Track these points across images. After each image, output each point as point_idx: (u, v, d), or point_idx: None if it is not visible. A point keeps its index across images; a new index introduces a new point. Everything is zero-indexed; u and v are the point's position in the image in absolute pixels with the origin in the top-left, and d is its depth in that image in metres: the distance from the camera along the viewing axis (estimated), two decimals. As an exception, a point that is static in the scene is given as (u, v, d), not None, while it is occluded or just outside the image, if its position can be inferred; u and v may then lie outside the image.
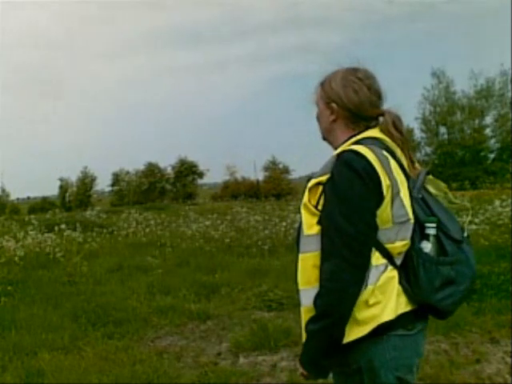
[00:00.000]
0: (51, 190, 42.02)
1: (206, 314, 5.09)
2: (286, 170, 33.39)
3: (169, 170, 39.17)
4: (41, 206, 34.66)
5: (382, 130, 1.56)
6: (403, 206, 1.46)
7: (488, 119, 32.52)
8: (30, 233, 10.14)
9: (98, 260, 8.55)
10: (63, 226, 11.03)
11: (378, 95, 1.60)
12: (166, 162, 39.79)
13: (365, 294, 1.42)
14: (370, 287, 1.43)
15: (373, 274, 1.44)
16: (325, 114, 1.64)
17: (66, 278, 6.99)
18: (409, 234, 1.47)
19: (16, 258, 7.98)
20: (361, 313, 1.43)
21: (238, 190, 32.66)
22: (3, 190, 36.59)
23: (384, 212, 1.44)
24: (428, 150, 34.56)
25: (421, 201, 1.51)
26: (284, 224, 9.94)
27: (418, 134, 34.69)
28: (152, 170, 38.97)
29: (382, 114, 1.59)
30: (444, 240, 1.48)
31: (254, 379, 3.55)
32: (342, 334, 1.43)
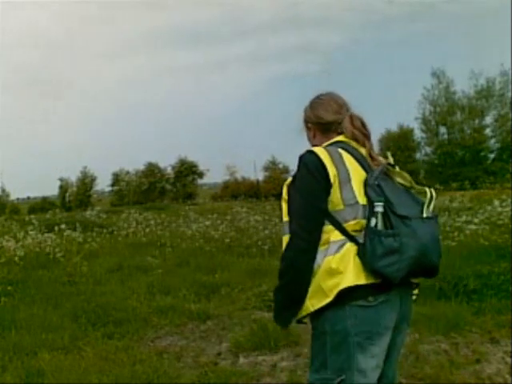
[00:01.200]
0: (51, 190, 42.01)
1: (205, 314, 5.09)
2: (286, 170, 33.40)
3: (169, 170, 39.18)
4: (41, 206, 34.66)
5: (345, 135, 1.93)
6: (352, 190, 1.78)
7: (488, 119, 32.54)
8: (30, 233, 10.14)
9: (98, 260, 8.55)
10: (63, 226, 11.03)
11: (340, 105, 1.98)
12: (166, 162, 39.78)
13: (325, 264, 1.75)
14: (329, 257, 1.75)
15: (331, 248, 1.76)
16: (307, 133, 2.08)
17: (66, 278, 6.99)
18: (359, 214, 1.76)
19: (16, 258, 7.98)
20: (325, 282, 1.74)
21: (238, 190, 32.67)
22: (3, 190, 36.59)
23: (334, 196, 1.78)
24: (428, 149, 34.59)
25: (376, 187, 1.77)
26: (284, 224, 9.91)
27: (418, 134, 34.73)
28: (152, 170, 38.97)
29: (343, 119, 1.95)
30: (391, 216, 1.73)
31: (254, 379, 3.55)
32: (298, 291, 1.78)
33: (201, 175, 38.82)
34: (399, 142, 34.21)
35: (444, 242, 7.33)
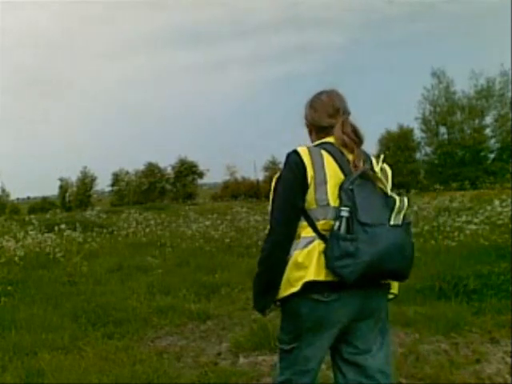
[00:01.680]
0: (51, 190, 42.05)
1: (205, 314, 5.09)
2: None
3: (169, 170, 39.21)
4: (41, 205, 34.67)
5: (334, 136, 2.01)
6: (326, 193, 1.90)
7: (488, 119, 32.53)
8: (30, 233, 10.14)
9: (98, 260, 8.55)
10: (63, 226, 11.03)
11: (336, 109, 2.05)
12: (166, 162, 39.82)
13: (294, 257, 1.91)
14: (297, 251, 1.91)
15: (301, 243, 1.91)
16: (307, 131, 2.19)
17: (66, 278, 6.99)
18: (329, 215, 1.89)
19: (16, 258, 7.98)
20: (292, 273, 1.91)
21: (238, 190, 32.68)
22: (3, 190, 36.61)
23: (310, 196, 1.91)
24: (428, 149, 34.57)
25: (349, 191, 1.87)
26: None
27: (418, 134, 34.73)
28: (152, 170, 38.97)
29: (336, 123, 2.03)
30: (354, 222, 1.84)
31: (254, 379, 3.55)
32: (272, 280, 1.96)
33: (201, 175, 38.85)
34: (399, 142, 34.20)
35: (444, 241, 7.34)
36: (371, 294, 1.97)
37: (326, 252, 1.86)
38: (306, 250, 1.89)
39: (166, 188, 39.04)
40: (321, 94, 2.13)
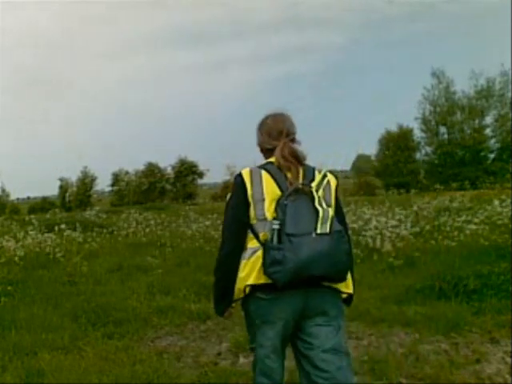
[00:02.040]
0: (51, 190, 42.07)
1: (205, 314, 5.08)
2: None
3: (169, 170, 39.21)
4: (41, 205, 34.68)
5: (275, 157, 2.27)
6: (263, 209, 2.16)
7: (488, 119, 32.53)
8: (30, 233, 10.15)
9: (97, 260, 8.55)
10: (63, 226, 11.04)
11: (279, 132, 2.31)
12: (166, 162, 39.82)
13: (241, 266, 2.18)
14: (244, 261, 2.18)
15: (247, 253, 2.18)
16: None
17: (66, 277, 6.99)
18: (266, 228, 2.14)
19: (16, 258, 7.99)
20: (240, 283, 2.19)
21: (238, 190, 32.62)
22: (3, 190, 36.64)
23: (251, 212, 2.19)
24: (428, 149, 34.57)
25: (283, 206, 2.11)
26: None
27: (418, 134, 34.73)
28: (152, 169, 38.98)
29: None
30: (283, 234, 2.07)
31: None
32: (226, 287, 2.24)
33: (201, 175, 38.86)
34: (399, 142, 34.20)
35: (444, 241, 7.34)
36: (314, 294, 2.17)
37: (262, 260, 2.13)
38: (252, 259, 2.16)
39: (166, 188, 39.05)
40: (267, 117, 2.40)
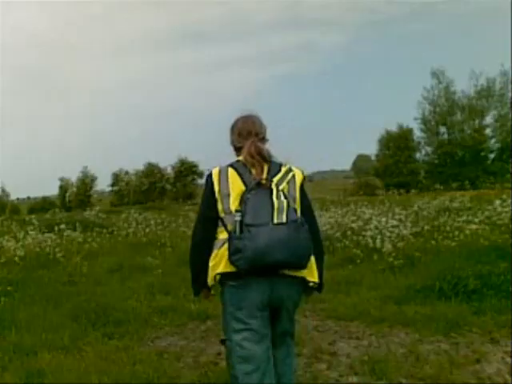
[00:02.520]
0: (51, 190, 42.08)
1: (205, 314, 5.08)
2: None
3: (169, 170, 39.22)
4: (41, 205, 34.69)
5: (242, 155, 2.47)
6: (229, 203, 2.37)
7: (488, 119, 32.58)
8: (30, 233, 10.14)
9: (97, 260, 8.55)
10: (63, 226, 11.03)
11: (248, 132, 2.54)
12: (166, 162, 39.83)
13: (212, 255, 2.39)
14: (215, 251, 2.39)
15: (218, 244, 2.39)
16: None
17: (66, 277, 6.99)
18: (231, 220, 2.32)
19: (16, 258, 7.98)
20: (211, 271, 2.39)
21: (238, 190, 32.61)
22: (3, 190, 36.67)
23: (219, 206, 2.40)
24: (428, 149, 34.61)
25: (246, 199, 2.32)
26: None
27: (417, 134, 34.76)
28: (152, 169, 38.99)
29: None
30: (243, 224, 2.27)
31: (254, 379, 3.54)
32: (196, 272, 2.49)
33: (201, 175, 38.83)
34: (399, 142, 34.23)
35: (444, 241, 7.34)
36: (278, 282, 2.36)
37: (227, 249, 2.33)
38: (221, 249, 2.36)
39: (166, 188, 39.05)
40: (238, 119, 2.62)
